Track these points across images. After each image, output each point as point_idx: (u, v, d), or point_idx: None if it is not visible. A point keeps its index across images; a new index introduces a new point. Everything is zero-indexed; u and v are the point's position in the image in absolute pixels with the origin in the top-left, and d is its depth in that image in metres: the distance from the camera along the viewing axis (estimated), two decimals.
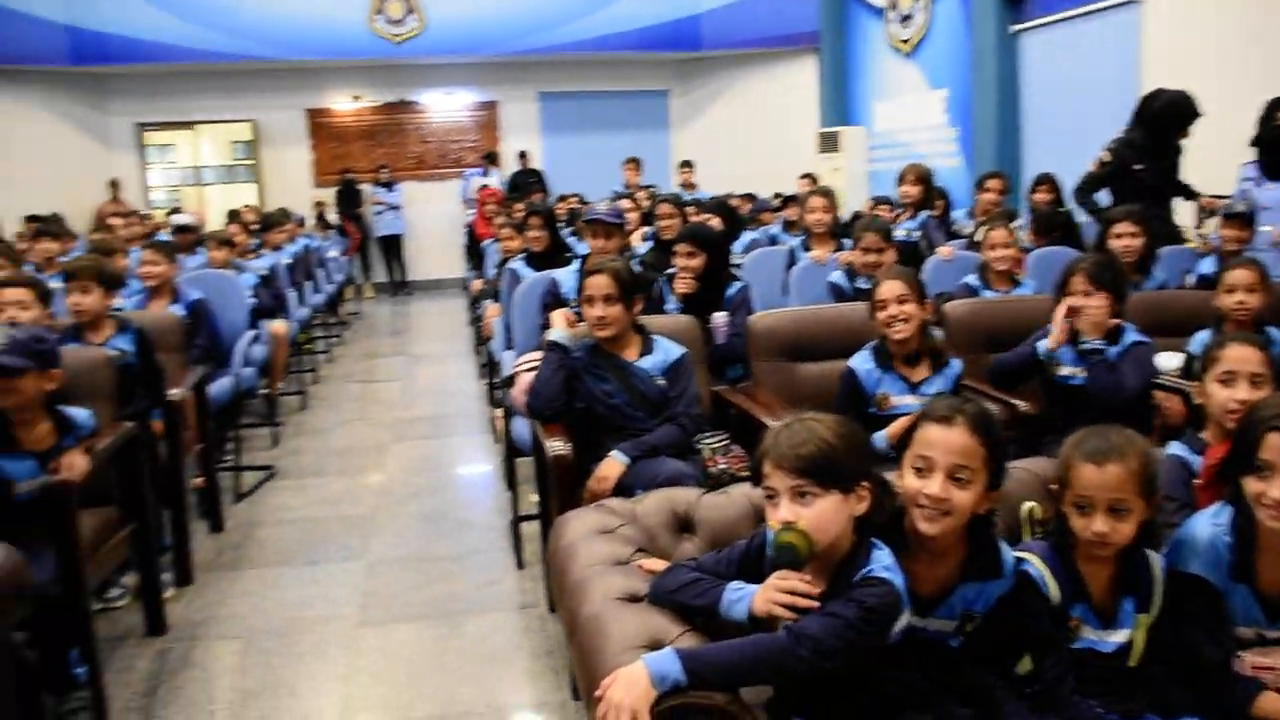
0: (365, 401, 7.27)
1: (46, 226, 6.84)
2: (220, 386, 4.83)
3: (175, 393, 3.83)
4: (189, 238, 7.72)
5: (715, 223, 6.00)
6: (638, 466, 3.00)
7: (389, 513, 4.74)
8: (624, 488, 2.94)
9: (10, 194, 10.88)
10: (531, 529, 4.14)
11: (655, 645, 1.68)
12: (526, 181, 12.79)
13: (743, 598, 1.78)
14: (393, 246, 13.32)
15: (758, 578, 1.81)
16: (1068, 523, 1.90)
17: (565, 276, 4.19)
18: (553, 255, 5.05)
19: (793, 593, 1.72)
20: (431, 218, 13.64)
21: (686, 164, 11.34)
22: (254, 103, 13.16)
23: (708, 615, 1.80)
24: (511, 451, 4.14)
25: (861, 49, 12.11)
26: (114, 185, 12.29)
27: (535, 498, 4.61)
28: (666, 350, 3.30)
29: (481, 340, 7.83)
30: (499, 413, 5.70)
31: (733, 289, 4.35)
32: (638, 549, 2.07)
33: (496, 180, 12.61)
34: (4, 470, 2.79)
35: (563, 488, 2.89)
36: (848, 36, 12.36)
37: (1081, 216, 5.85)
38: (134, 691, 3.14)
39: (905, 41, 10.92)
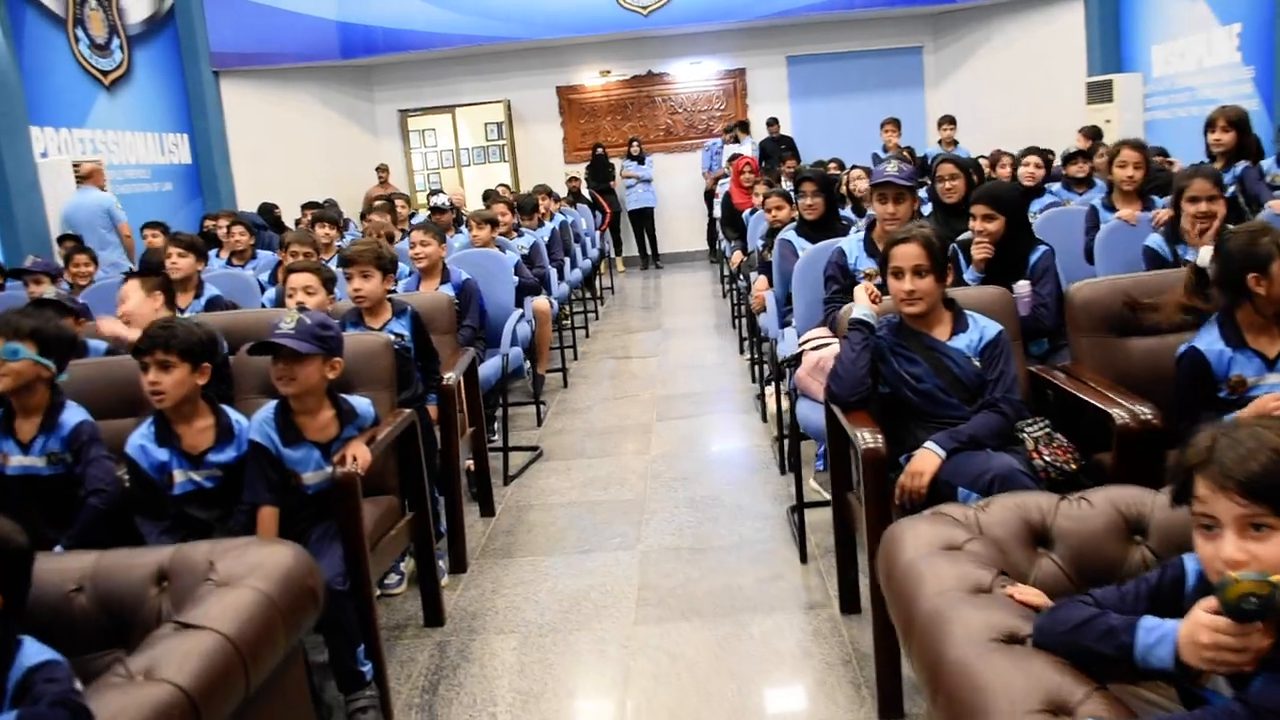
0: (624, 378, 7.15)
1: (324, 212, 7.06)
2: (490, 367, 4.78)
3: (450, 376, 3.75)
4: (447, 218, 7.86)
5: (1030, 169, 5.46)
6: (955, 460, 2.61)
7: (658, 498, 4.54)
8: (940, 484, 2.57)
9: (290, 183, 11.57)
10: (815, 518, 3.83)
11: (1056, 708, 1.32)
12: (778, 149, 12.41)
13: (1163, 638, 1.38)
14: (645, 219, 13.27)
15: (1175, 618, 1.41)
16: None
17: (851, 246, 3.82)
18: (828, 223, 4.69)
19: (1231, 646, 1.31)
20: (681, 190, 13.51)
21: (948, 120, 10.59)
22: (507, 84, 13.42)
23: (1118, 662, 1.42)
24: (795, 435, 3.83)
25: None
26: (382, 170, 12.82)
27: (815, 484, 4.30)
28: (982, 327, 2.88)
29: (740, 314, 7.58)
30: (769, 390, 5.41)
31: (1036, 254, 3.85)
32: (999, 571, 1.71)
33: (749, 148, 12.29)
34: (289, 460, 2.74)
35: (875, 486, 2.54)
36: None
37: None
38: (415, 687, 3.05)
39: None
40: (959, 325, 2.89)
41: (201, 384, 2.71)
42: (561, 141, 13.72)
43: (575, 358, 7.74)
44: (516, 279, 5.89)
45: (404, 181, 13.52)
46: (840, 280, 3.73)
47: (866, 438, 2.57)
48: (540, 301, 6.25)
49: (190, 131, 12.00)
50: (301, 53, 12.51)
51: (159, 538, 2.58)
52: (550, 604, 3.55)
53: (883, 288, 3.00)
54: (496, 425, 5.29)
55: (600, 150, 13.09)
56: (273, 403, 2.77)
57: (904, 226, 2.93)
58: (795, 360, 3.62)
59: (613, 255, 13.14)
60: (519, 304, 5.67)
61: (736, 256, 7.18)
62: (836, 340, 3.65)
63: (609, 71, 13.50)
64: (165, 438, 2.69)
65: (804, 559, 3.72)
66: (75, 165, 8.80)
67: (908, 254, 2.79)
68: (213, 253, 7.55)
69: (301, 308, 2.97)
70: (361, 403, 2.90)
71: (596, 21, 12.50)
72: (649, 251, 13.44)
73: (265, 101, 12.59)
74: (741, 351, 7.41)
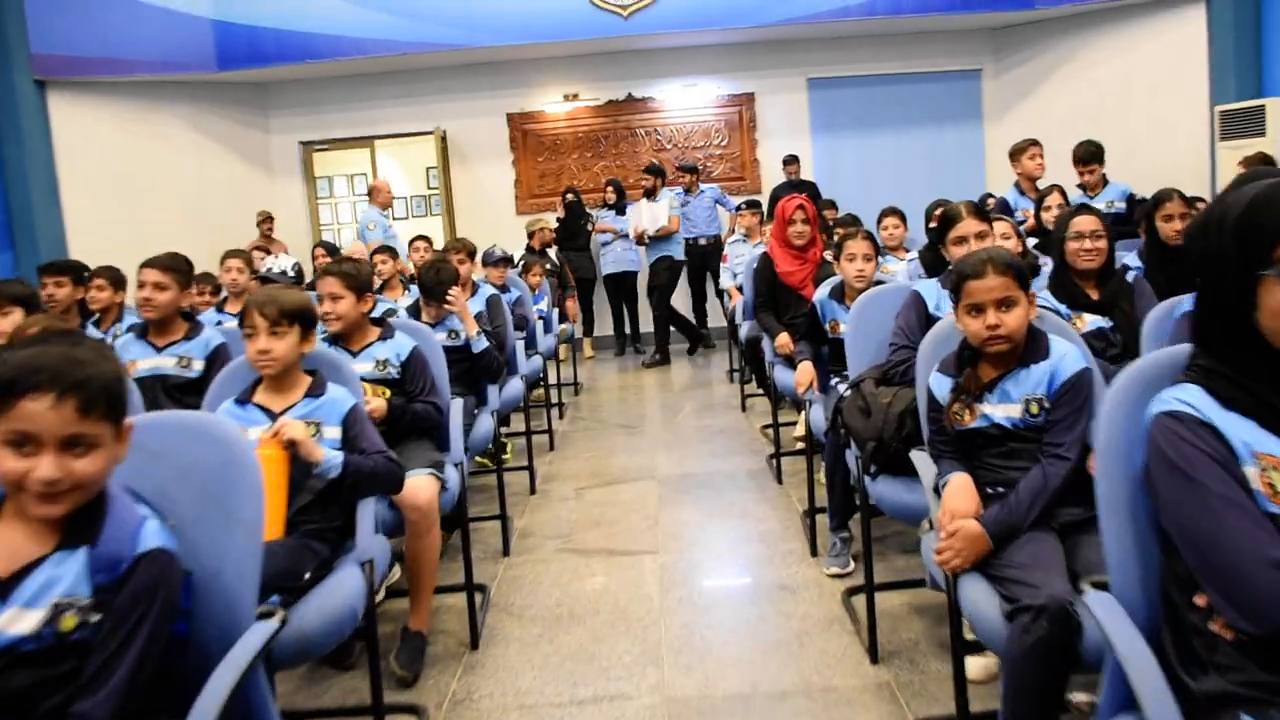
0: (609, 621, 3.74)
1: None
2: None
3: None
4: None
5: None
6: None
7: None
8: None
9: (144, 235, 8.03)
10: None
11: None
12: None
13: None
14: (624, 288, 9.79)
15: None
16: None
17: None
18: None
19: None
20: None
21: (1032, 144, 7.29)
22: (442, 109, 10.18)
23: None
24: None
25: None
26: (264, 221, 9.48)
27: None
28: None
29: (784, 453, 4.28)
30: None
31: None
32: None
33: (667, 204, 9.09)
34: None
35: None
36: None
37: None
38: None
39: None
40: None
41: None
42: (513, 186, 10.43)
43: (505, 550, 4.33)
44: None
45: (305, 239, 10.13)
46: None
47: None
48: (419, 483, 2.87)
49: None
50: (164, 61, 9.16)
51: None
52: None
53: None
54: None
55: (573, 196, 9.70)
56: None
57: None
58: None
59: (578, 335, 9.76)
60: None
61: (784, 340, 3.84)
62: None
63: (577, 95, 10.24)
64: None
65: None
66: None
67: None
68: None
69: None
70: None
71: (562, 26, 9.24)
72: (628, 330, 10.08)
73: (113, 125, 9.25)
74: (804, 516, 4.09)
